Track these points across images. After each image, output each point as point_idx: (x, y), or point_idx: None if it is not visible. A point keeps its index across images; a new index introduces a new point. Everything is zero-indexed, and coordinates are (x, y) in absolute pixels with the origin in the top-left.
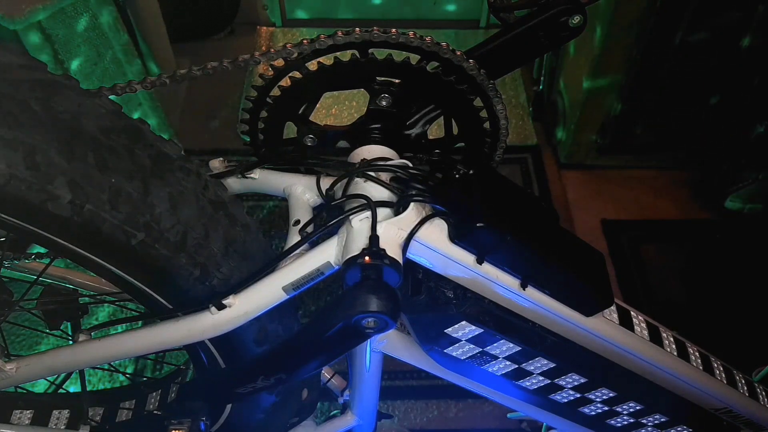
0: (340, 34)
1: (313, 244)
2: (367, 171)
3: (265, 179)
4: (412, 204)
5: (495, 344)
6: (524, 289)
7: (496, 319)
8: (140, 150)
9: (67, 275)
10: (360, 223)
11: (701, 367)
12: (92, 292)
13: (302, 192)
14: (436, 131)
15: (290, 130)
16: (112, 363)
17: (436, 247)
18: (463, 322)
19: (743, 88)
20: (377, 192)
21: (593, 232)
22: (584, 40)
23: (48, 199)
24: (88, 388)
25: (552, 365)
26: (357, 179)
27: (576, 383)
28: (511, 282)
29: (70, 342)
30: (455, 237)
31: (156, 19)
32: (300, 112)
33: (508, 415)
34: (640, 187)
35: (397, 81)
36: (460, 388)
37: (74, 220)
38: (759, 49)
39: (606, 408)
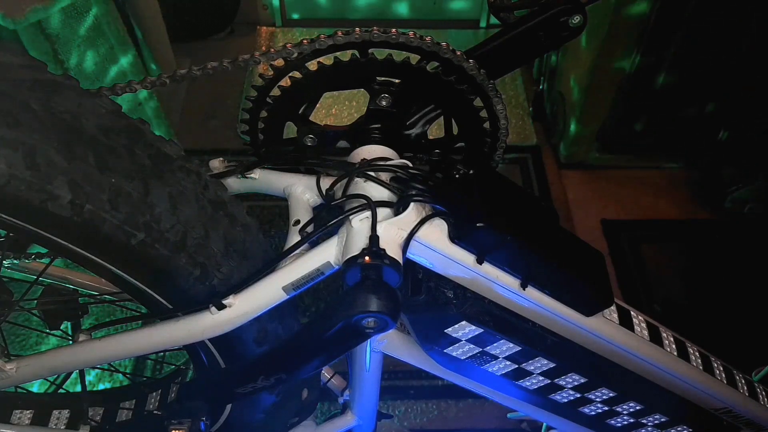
0: (340, 34)
1: (313, 244)
2: (367, 171)
3: (265, 179)
4: (412, 204)
5: (495, 344)
6: (524, 289)
7: (496, 319)
8: (140, 150)
9: (67, 275)
10: (360, 223)
11: (701, 367)
12: (92, 292)
13: (302, 192)
14: (436, 131)
15: (290, 130)
16: (112, 363)
17: (436, 247)
18: (463, 322)
19: (744, 87)
20: (377, 192)
21: (593, 232)
22: (584, 41)
23: (48, 199)
24: (88, 388)
25: (552, 365)
26: (357, 179)
27: (576, 383)
28: (511, 282)
29: (70, 342)
30: (455, 237)
31: (156, 19)
32: (300, 112)
33: (508, 415)
34: (640, 187)
35: (397, 81)
36: (460, 388)
37: (74, 220)
38: (760, 48)
39: (606, 408)
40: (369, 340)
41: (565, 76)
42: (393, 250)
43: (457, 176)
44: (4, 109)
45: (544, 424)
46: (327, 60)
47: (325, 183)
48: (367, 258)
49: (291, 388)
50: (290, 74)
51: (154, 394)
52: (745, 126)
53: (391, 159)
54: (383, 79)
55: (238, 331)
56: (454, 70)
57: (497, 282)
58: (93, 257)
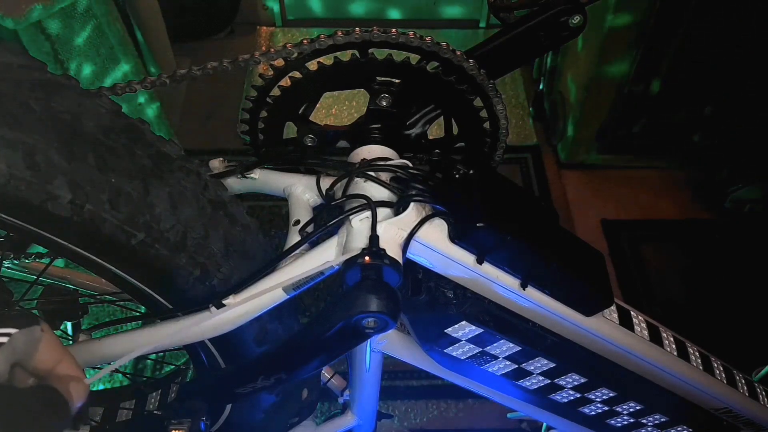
0: (340, 34)
1: (313, 244)
2: (367, 171)
3: (265, 179)
4: (412, 204)
5: (495, 344)
6: (524, 289)
7: (496, 319)
8: (140, 150)
9: (67, 275)
10: (360, 223)
11: (701, 367)
12: (92, 292)
13: (302, 192)
14: (436, 131)
15: (290, 130)
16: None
17: (436, 247)
18: (463, 322)
19: (744, 87)
20: (377, 192)
21: (593, 232)
22: (585, 40)
23: (48, 199)
24: None
25: (552, 365)
26: (357, 179)
27: (576, 383)
28: (511, 282)
29: (70, 342)
30: (455, 237)
31: (156, 18)
32: (300, 112)
33: (508, 415)
34: (640, 187)
35: (397, 81)
36: (460, 388)
37: (74, 220)
38: (759, 49)
39: (606, 408)
40: (369, 340)
41: (565, 76)
42: (393, 250)
43: (457, 176)
44: (4, 109)
45: (544, 424)
46: (327, 60)
47: (325, 183)
48: (367, 258)
49: (291, 388)
50: (290, 74)
51: (154, 394)
52: (744, 126)
53: (391, 159)
54: (383, 79)
55: (238, 331)
56: (454, 70)
57: (497, 282)
58: (93, 257)
